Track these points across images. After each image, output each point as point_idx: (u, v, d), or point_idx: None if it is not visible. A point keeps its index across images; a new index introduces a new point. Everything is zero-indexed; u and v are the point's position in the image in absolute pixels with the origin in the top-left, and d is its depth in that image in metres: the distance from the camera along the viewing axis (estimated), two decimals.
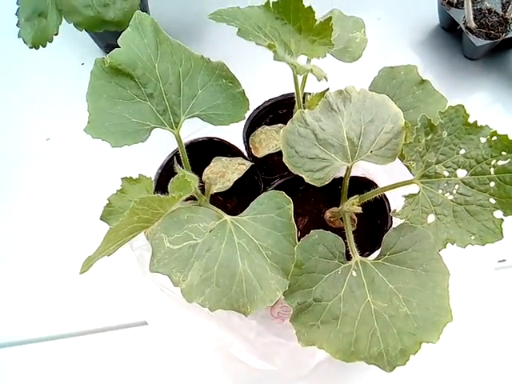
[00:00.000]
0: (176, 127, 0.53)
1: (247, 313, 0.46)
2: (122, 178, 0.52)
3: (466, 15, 0.93)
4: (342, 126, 0.51)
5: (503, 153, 0.48)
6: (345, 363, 0.47)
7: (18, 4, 0.75)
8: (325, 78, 0.53)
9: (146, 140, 0.50)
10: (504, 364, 0.70)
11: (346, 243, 0.53)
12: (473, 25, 0.93)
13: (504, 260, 0.76)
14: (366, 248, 0.61)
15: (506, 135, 0.48)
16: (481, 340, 0.69)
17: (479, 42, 0.92)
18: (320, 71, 0.53)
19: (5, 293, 0.79)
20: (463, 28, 0.94)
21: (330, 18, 0.54)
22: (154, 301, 0.56)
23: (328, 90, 0.60)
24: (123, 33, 0.51)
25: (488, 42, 0.92)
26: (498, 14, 0.96)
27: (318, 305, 0.48)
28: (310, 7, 0.53)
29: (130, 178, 0.52)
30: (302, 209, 0.67)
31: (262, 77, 0.89)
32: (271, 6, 0.55)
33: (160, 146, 0.62)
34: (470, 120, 0.50)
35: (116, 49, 0.50)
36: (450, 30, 1.05)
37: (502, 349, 0.71)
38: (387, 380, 0.59)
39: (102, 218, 0.53)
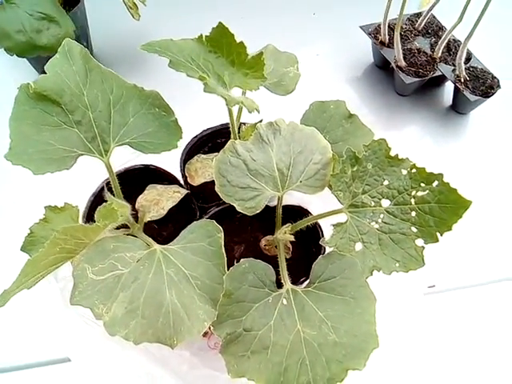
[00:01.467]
0: (106, 155, 0.52)
1: (173, 345, 0.44)
2: (45, 207, 0.50)
3: (396, 54, 0.99)
4: (272, 157, 0.52)
5: (422, 184, 0.51)
6: None
7: None
8: (256, 110, 0.54)
9: (71, 167, 0.49)
10: None
11: (278, 271, 0.54)
12: (403, 63, 1.00)
13: (433, 286, 0.80)
14: (300, 275, 0.62)
15: (424, 168, 0.51)
16: (410, 365, 0.71)
17: (409, 79, 0.98)
18: (251, 103, 0.55)
19: None
20: (394, 66, 1.00)
21: (262, 53, 0.55)
22: (78, 334, 0.53)
23: (261, 121, 0.62)
24: (51, 59, 0.50)
25: (417, 79, 0.99)
26: (427, 54, 1.03)
27: (248, 334, 0.48)
28: (241, 42, 0.55)
29: (55, 206, 0.50)
30: (238, 237, 0.67)
31: (202, 107, 0.90)
32: (204, 39, 0.56)
33: (92, 174, 0.61)
34: (392, 153, 0.53)
35: (42, 75, 0.49)
36: (383, 67, 1.12)
37: (431, 374, 0.73)
38: None
39: (22, 249, 0.51)
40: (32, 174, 0.48)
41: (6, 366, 0.66)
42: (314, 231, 0.65)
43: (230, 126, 0.61)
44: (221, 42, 0.55)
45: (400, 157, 0.52)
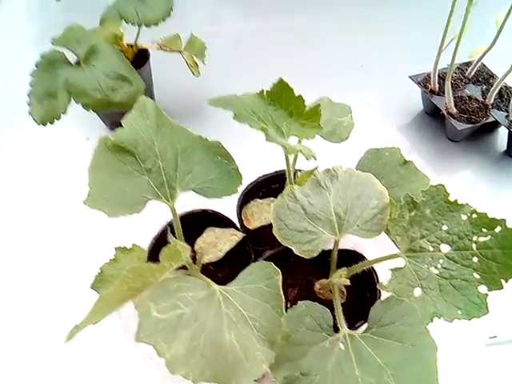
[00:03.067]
0: (172, 200, 0.56)
1: None
2: (115, 248, 0.54)
3: (447, 102, 1.00)
4: (330, 202, 0.54)
5: (483, 230, 0.51)
6: None
7: (30, 86, 0.82)
8: (313, 157, 0.57)
9: (142, 211, 0.53)
10: None
11: (334, 315, 0.54)
12: (454, 110, 1.00)
13: (495, 336, 0.75)
14: (355, 320, 0.61)
15: (485, 213, 0.51)
16: None
17: (460, 126, 0.98)
18: (309, 151, 0.57)
19: None
20: (445, 113, 1.01)
21: (319, 105, 0.59)
22: (137, 372, 0.54)
23: (317, 168, 0.64)
24: (127, 114, 0.55)
25: (469, 126, 0.99)
26: (478, 101, 1.04)
27: (305, 379, 0.47)
28: (300, 96, 0.58)
29: (124, 247, 0.54)
30: (292, 280, 0.68)
31: (259, 155, 0.94)
32: (265, 94, 0.61)
33: (154, 217, 0.65)
34: (451, 198, 0.53)
35: (120, 128, 0.54)
36: (433, 114, 1.13)
37: None
38: None
39: (92, 287, 0.54)
40: (106, 218, 0.52)
41: None
42: (369, 276, 0.65)
43: (287, 172, 0.64)
44: (280, 96, 0.59)
45: (459, 202, 0.53)
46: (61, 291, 0.83)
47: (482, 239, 0.51)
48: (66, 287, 0.82)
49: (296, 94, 0.58)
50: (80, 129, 1.11)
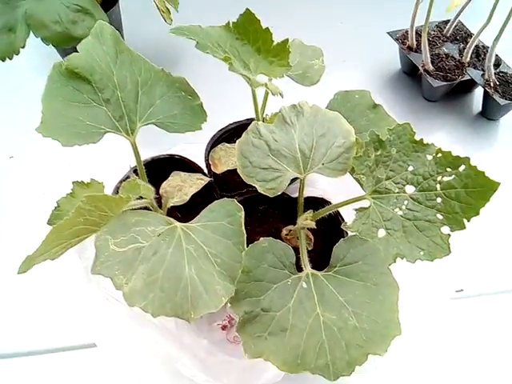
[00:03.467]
0: (132, 134, 0.54)
1: (190, 319, 0.44)
2: (73, 182, 0.51)
3: (423, 58, 0.99)
4: (295, 138, 0.52)
5: (448, 169, 0.50)
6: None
7: None
8: (280, 94, 0.55)
9: (98, 142, 0.50)
10: None
11: (299, 258, 0.53)
12: (431, 68, 0.99)
13: (461, 290, 0.77)
14: (320, 266, 0.61)
15: (450, 152, 0.50)
16: (429, 366, 0.68)
17: (436, 83, 0.97)
18: (275, 87, 0.55)
19: None
20: (421, 70, 0.99)
21: (287, 40, 0.56)
22: (98, 311, 0.53)
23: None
24: (83, 40, 0.52)
25: (445, 83, 0.98)
26: (455, 59, 1.03)
27: (266, 315, 0.47)
28: (267, 29, 0.56)
29: (81, 181, 0.52)
30: (260, 227, 0.67)
31: (230, 103, 0.92)
32: (231, 26, 0.58)
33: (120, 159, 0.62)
34: (417, 138, 0.52)
35: (74, 53, 0.51)
36: (410, 73, 1.11)
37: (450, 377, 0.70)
38: None
39: (49, 222, 0.52)
40: (61, 148, 0.49)
41: (32, 349, 0.67)
42: (336, 222, 0.64)
43: (254, 111, 0.62)
44: (247, 29, 0.57)
45: (425, 141, 0.52)
46: (18, 226, 0.81)
47: (446, 179, 0.50)
48: (23, 222, 0.80)
49: (263, 26, 0.55)
50: (38, 66, 1.06)
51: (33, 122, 0.97)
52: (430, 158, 0.51)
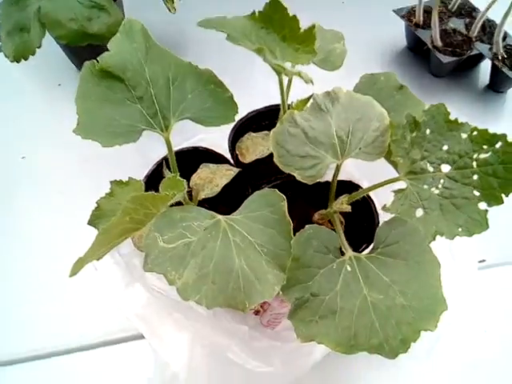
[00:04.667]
0: (166, 130, 0.54)
1: (245, 309, 0.45)
2: (111, 182, 0.51)
3: (433, 34, 0.99)
4: (331, 125, 0.52)
5: (484, 146, 0.51)
6: (342, 362, 0.46)
7: None
8: (311, 81, 0.55)
9: (137, 141, 0.50)
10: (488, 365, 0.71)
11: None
12: (439, 44, 0.99)
13: (484, 260, 0.78)
14: (354, 249, 0.62)
15: (486, 129, 0.51)
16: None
17: (446, 59, 0.98)
18: (306, 75, 0.55)
19: None
20: (430, 47, 0.99)
21: (313, 27, 0.56)
22: (144, 306, 0.54)
23: (313, 95, 0.62)
24: (113, 38, 0.51)
25: (454, 58, 0.98)
26: (462, 34, 1.03)
27: (316, 299, 0.48)
28: (294, 16, 0.55)
29: (120, 180, 0.52)
30: (290, 213, 0.67)
31: (243, 91, 0.91)
32: (257, 15, 0.57)
33: (146, 152, 0.62)
34: (451, 117, 0.53)
35: (106, 52, 0.50)
36: (416, 50, 1.11)
37: (484, 349, 0.72)
38: (385, 379, 0.59)
39: (89, 223, 0.52)
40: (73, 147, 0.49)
41: (83, 344, 0.68)
42: (367, 205, 0.65)
43: (281, 100, 0.62)
44: (273, 17, 0.56)
45: (459, 121, 0.52)
46: (59, 228, 0.81)
47: (482, 156, 0.51)
48: (63, 224, 0.81)
49: (290, 14, 0.55)
50: (51, 74, 1.05)
51: (44, 121, 0.97)
52: (464, 136, 0.52)
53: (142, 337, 0.58)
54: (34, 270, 0.79)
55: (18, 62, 0.71)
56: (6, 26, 0.71)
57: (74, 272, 0.46)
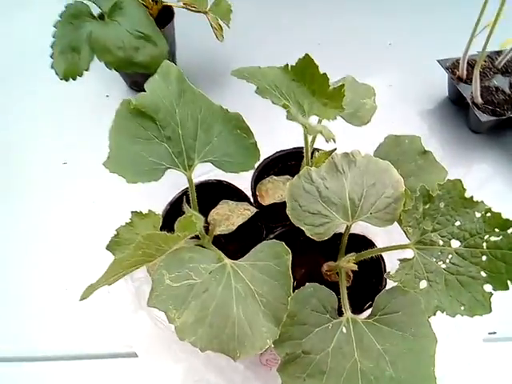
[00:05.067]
0: (189, 169, 0.56)
1: (236, 357, 0.47)
2: (132, 212, 0.54)
3: (473, 91, 0.98)
4: (345, 187, 0.54)
5: (496, 229, 0.51)
6: None
7: (53, 37, 0.81)
8: (333, 139, 0.57)
9: (160, 179, 0.53)
10: None
11: (339, 299, 0.55)
12: (479, 101, 0.98)
13: (494, 332, 0.77)
14: (358, 304, 0.63)
15: (500, 213, 0.50)
16: None
17: (484, 117, 0.96)
18: (329, 133, 0.57)
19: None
20: (470, 103, 0.98)
21: (343, 86, 0.58)
22: (146, 334, 0.57)
23: (335, 149, 0.63)
24: (150, 79, 0.55)
25: (493, 118, 0.97)
26: (505, 93, 1.01)
27: (307, 357, 0.49)
28: (324, 74, 0.57)
29: (140, 212, 0.55)
30: (300, 259, 0.69)
31: (277, 130, 0.93)
32: (289, 68, 0.59)
33: (170, 183, 0.65)
34: (467, 195, 0.53)
35: (142, 93, 0.54)
36: (457, 103, 1.10)
37: None
38: None
39: (108, 248, 0.55)
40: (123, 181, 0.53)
41: (79, 354, 0.72)
42: (377, 263, 0.65)
43: (304, 151, 0.63)
44: (304, 72, 0.58)
45: (475, 199, 0.52)
46: (78, 251, 0.85)
47: (493, 239, 0.51)
48: (82, 247, 0.85)
49: (321, 72, 0.57)
50: (100, 85, 1.11)
51: (88, 130, 1.03)
52: (478, 215, 0.52)
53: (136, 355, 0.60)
54: (59, 275, 0.83)
55: (66, 80, 0.76)
56: (60, 44, 0.76)
57: (84, 297, 0.50)
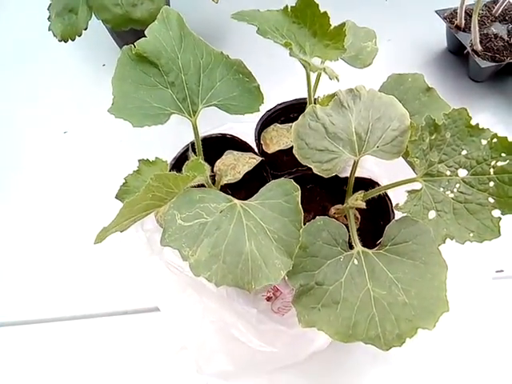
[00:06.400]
0: (194, 115, 0.56)
1: (251, 289, 0.47)
2: (139, 160, 0.55)
3: (472, 38, 0.97)
4: (351, 122, 0.54)
5: (503, 154, 0.51)
6: (340, 352, 0.48)
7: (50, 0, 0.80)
8: (336, 78, 0.56)
9: (165, 123, 0.53)
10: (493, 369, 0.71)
11: (349, 236, 0.56)
12: (479, 48, 0.97)
13: (502, 270, 0.78)
14: (367, 245, 0.63)
15: (506, 137, 0.51)
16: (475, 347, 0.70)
17: (484, 63, 0.96)
18: (332, 71, 0.57)
19: (17, 271, 0.82)
20: (469, 50, 0.98)
21: (344, 25, 0.57)
22: (160, 279, 0.57)
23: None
24: (150, 25, 0.54)
25: (493, 64, 0.96)
26: (504, 39, 1.00)
27: (320, 288, 0.50)
28: (325, 13, 0.57)
29: (147, 159, 0.55)
30: (307, 206, 0.69)
31: (276, 83, 0.93)
32: (289, 10, 0.59)
33: (176, 136, 0.66)
34: (472, 123, 0.53)
35: (143, 38, 0.53)
36: (456, 53, 1.09)
37: (493, 356, 0.72)
38: (378, 373, 0.60)
39: (117, 197, 0.56)
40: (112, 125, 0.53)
41: (96, 312, 0.73)
42: (383, 203, 0.66)
43: (308, 95, 0.63)
44: (305, 13, 0.58)
45: (480, 126, 0.52)
46: (89, 200, 0.87)
47: (500, 163, 0.51)
48: (93, 197, 0.87)
49: (321, 10, 0.56)
50: (96, 55, 1.10)
51: (87, 99, 1.03)
52: (484, 142, 0.52)
53: (155, 309, 0.61)
54: (65, 237, 0.84)
55: (65, 41, 0.76)
56: (56, 7, 0.76)
57: (98, 240, 0.50)
